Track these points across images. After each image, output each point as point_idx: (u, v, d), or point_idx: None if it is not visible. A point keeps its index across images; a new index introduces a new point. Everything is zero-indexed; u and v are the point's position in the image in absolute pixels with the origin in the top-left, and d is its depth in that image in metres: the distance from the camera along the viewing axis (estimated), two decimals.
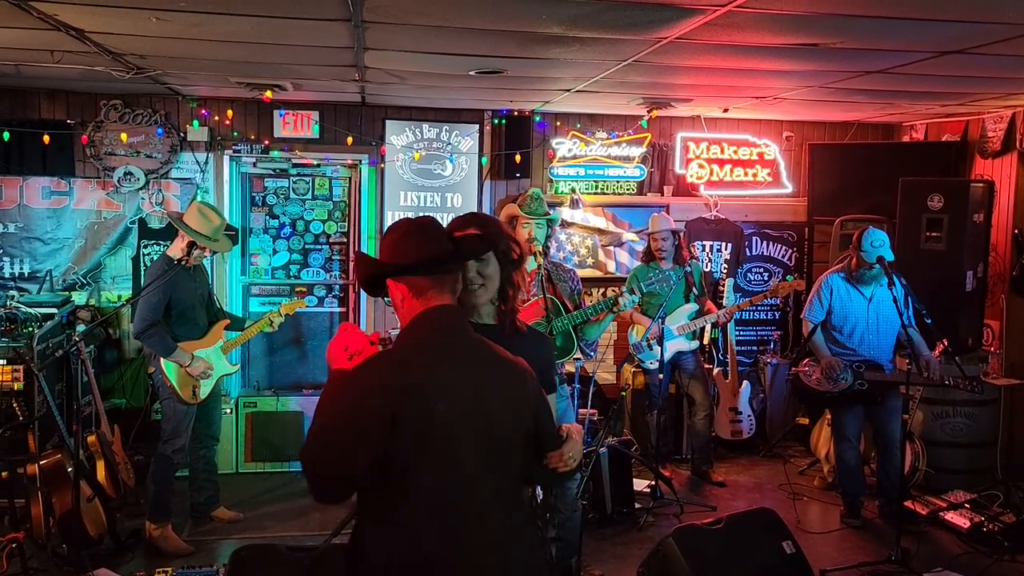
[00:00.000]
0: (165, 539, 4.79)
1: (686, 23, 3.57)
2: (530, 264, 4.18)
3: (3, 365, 5.10)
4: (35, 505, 4.44)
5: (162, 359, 4.75)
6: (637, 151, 7.07)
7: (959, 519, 5.20)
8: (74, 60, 4.79)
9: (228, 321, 5.20)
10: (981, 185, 5.99)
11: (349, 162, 6.89)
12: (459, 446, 2.09)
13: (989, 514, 5.18)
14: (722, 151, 7.19)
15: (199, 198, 6.37)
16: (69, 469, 4.51)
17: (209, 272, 5.63)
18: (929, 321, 4.88)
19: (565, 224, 6.91)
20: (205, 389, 4.92)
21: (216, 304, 5.34)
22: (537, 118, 6.90)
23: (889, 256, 4.98)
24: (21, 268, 6.32)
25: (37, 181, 6.30)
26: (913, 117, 6.94)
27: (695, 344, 6.03)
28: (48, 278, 6.30)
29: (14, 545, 4.30)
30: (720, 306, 6.26)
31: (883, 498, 5.37)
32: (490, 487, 2.15)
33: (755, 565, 3.93)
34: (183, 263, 4.71)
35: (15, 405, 4.45)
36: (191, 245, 4.75)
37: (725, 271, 7.17)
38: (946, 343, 5.25)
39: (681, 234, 6.14)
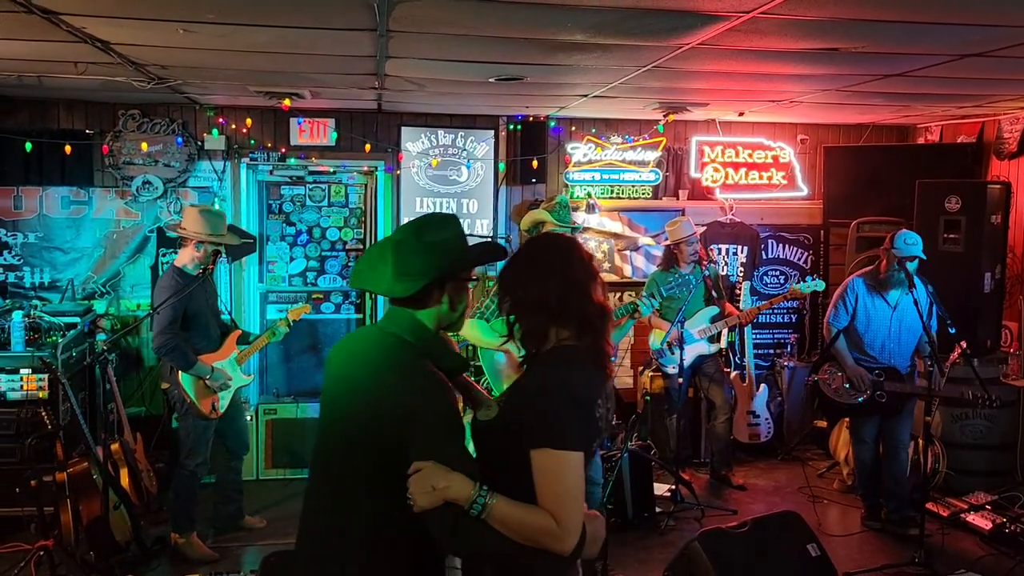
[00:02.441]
0: (190, 546, 4.81)
1: (710, 29, 3.59)
2: None
3: (28, 374, 5.13)
4: (64, 512, 4.47)
5: (180, 373, 4.73)
6: (652, 155, 7.09)
7: (981, 521, 5.20)
8: (97, 71, 4.83)
9: (240, 332, 5.15)
10: (998, 187, 5.99)
11: (365, 169, 6.92)
12: (321, 432, 2.22)
13: (1011, 515, 5.18)
14: (737, 155, 7.21)
15: (216, 206, 6.40)
16: (95, 477, 4.54)
17: (228, 280, 5.65)
18: (953, 331, 4.84)
19: (582, 229, 6.92)
20: (224, 402, 4.91)
21: (224, 313, 5.29)
22: (552, 123, 6.92)
23: (922, 255, 4.94)
24: (41, 278, 6.36)
25: (56, 191, 6.35)
26: (929, 119, 6.94)
27: (715, 347, 6.03)
28: (69, 287, 6.34)
29: (42, 553, 4.33)
30: (738, 309, 6.26)
31: (892, 503, 5.26)
32: (324, 488, 2.13)
33: (781, 568, 3.93)
34: (207, 272, 4.72)
35: (43, 413, 4.47)
36: (216, 254, 4.76)
37: (741, 274, 7.18)
38: (964, 345, 5.23)
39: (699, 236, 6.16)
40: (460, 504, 1.86)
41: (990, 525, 5.12)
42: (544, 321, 2.07)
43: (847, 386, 5.12)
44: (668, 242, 6.03)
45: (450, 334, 2.28)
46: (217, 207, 6.08)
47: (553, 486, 1.89)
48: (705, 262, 5.92)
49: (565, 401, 1.95)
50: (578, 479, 1.93)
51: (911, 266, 4.88)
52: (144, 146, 6.33)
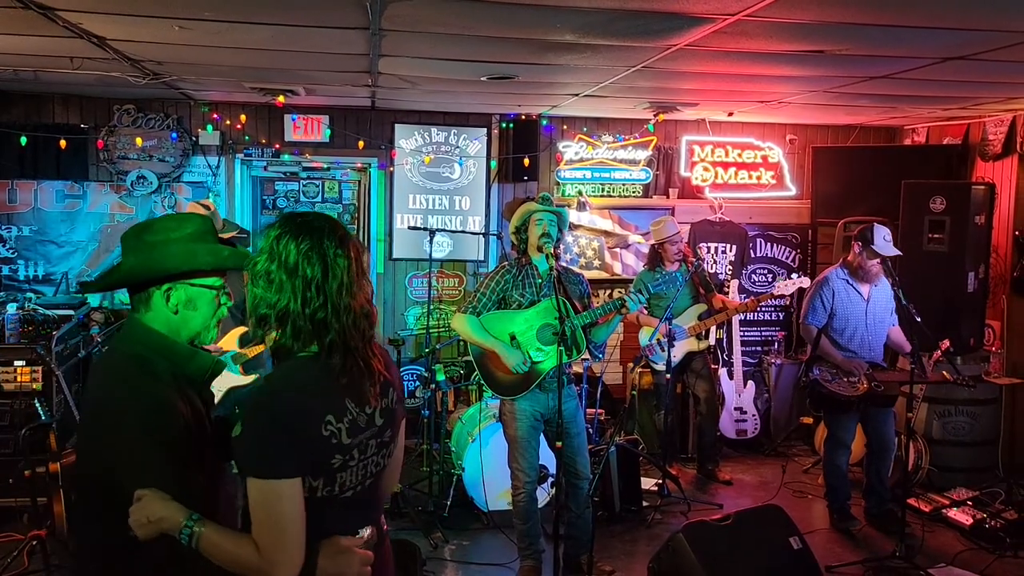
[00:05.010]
0: None
1: (696, 31, 3.66)
2: (543, 265, 4.27)
3: (23, 366, 5.17)
4: (57, 503, 4.50)
5: None
6: (643, 154, 7.16)
7: (962, 516, 5.28)
8: (92, 66, 4.87)
9: (245, 328, 5.14)
10: (982, 187, 6.07)
11: (359, 166, 6.98)
12: None
13: (991, 511, 5.27)
14: (726, 154, 7.29)
15: (211, 200, 6.44)
16: None
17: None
18: (919, 319, 4.84)
19: (572, 226, 6.99)
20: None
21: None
22: (544, 122, 6.98)
23: (899, 252, 5.00)
24: (35, 271, 6.41)
25: (51, 185, 6.39)
26: (915, 120, 7.03)
27: (704, 344, 6.10)
28: (64, 280, 6.38)
29: (35, 543, 4.37)
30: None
31: (873, 499, 5.29)
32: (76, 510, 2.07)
33: (763, 560, 4.00)
34: None
35: (39, 404, 4.52)
36: None
37: (730, 272, 7.26)
38: (948, 344, 5.29)
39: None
40: (173, 534, 1.82)
41: (971, 520, 5.20)
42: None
43: (846, 379, 5.04)
44: (652, 241, 6.11)
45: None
46: (224, 206, 6.12)
47: (260, 515, 1.79)
48: (691, 259, 5.99)
49: (268, 426, 1.80)
50: (288, 508, 1.79)
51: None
52: (139, 141, 6.38)
